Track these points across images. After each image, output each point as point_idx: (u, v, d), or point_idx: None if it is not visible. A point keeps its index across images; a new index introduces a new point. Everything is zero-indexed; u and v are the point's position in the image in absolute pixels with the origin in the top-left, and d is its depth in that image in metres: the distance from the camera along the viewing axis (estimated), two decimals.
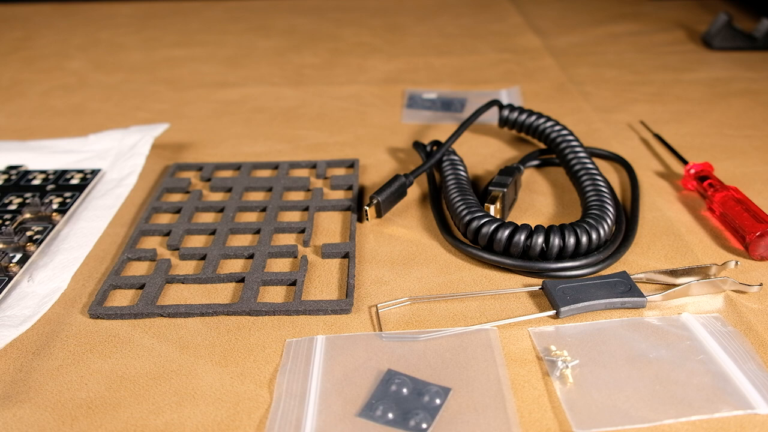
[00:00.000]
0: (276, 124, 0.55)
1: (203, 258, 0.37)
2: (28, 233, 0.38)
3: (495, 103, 0.47)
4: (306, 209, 0.42)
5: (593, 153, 0.47)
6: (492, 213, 0.38)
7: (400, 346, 0.30)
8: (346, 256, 0.37)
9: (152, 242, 0.39)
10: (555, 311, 0.32)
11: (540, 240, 0.34)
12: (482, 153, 0.49)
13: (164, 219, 0.42)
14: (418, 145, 0.48)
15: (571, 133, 0.44)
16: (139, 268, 0.37)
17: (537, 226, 0.35)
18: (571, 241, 0.34)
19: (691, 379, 0.28)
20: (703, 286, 0.33)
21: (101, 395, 0.28)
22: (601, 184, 0.39)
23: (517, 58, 0.70)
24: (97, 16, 0.91)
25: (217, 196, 0.44)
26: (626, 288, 0.33)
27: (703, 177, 0.42)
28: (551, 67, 0.67)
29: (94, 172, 0.45)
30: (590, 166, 0.41)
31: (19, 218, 0.40)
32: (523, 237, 0.35)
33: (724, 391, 0.27)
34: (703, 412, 0.26)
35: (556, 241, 0.34)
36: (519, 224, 0.35)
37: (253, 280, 0.35)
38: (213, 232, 0.40)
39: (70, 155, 0.49)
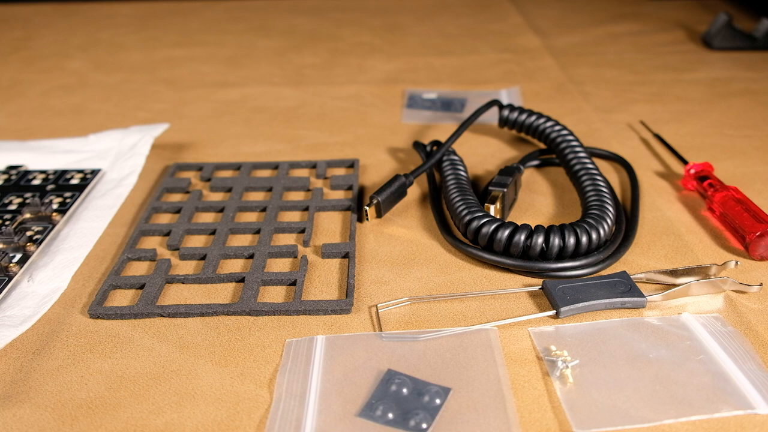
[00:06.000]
0: (276, 124, 0.55)
1: (203, 258, 0.37)
2: (28, 233, 0.38)
3: (495, 103, 0.47)
4: (306, 209, 0.42)
5: (593, 153, 0.47)
6: (492, 213, 0.38)
7: (400, 346, 0.30)
8: (346, 256, 0.37)
9: (152, 242, 0.39)
10: (555, 311, 0.32)
11: (540, 240, 0.34)
12: (482, 153, 0.49)
13: (164, 219, 0.42)
14: (418, 145, 0.48)
15: (571, 133, 0.44)
16: (139, 268, 0.37)
17: (537, 226, 0.35)
18: (571, 241, 0.34)
19: (691, 379, 0.28)
20: (703, 286, 0.33)
21: (101, 395, 0.28)
22: (601, 184, 0.39)
23: (517, 58, 0.70)
24: (97, 16, 0.91)
25: (217, 196, 0.44)
26: (626, 288, 0.33)
27: (703, 177, 0.42)
28: (551, 67, 0.67)
29: (94, 172, 0.45)
30: (590, 166, 0.41)
31: (19, 218, 0.40)
32: (523, 237, 0.35)
33: (724, 391, 0.27)
34: (703, 412, 0.26)
35: (556, 241, 0.34)
36: (519, 224, 0.35)
37: (253, 280, 0.35)
38: (213, 232, 0.40)
39: (70, 155, 0.49)
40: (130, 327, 0.32)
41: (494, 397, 0.27)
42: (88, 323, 0.33)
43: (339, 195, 0.44)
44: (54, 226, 0.39)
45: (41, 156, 0.48)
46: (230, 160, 0.49)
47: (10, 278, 0.34)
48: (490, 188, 0.39)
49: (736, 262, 0.34)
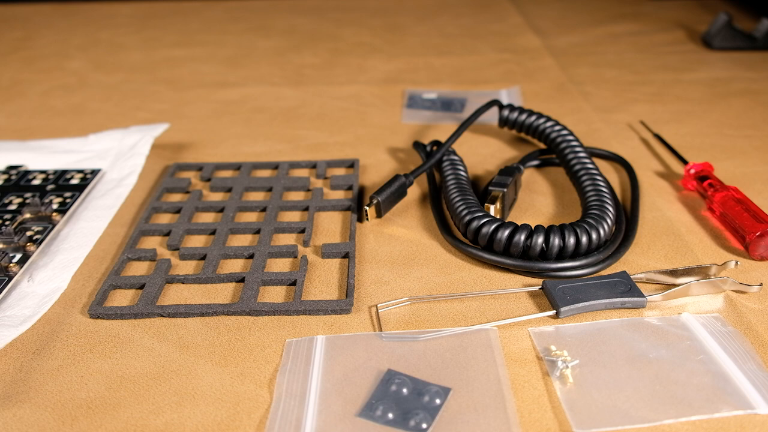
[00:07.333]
0: (276, 124, 0.55)
1: (203, 258, 0.37)
2: (28, 233, 0.38)
3: (495, 103, 0.47)
4: (306, 209, 0.42)
5: (593, 153, 0.47)
6: (492, 213, 0.38)
7: (400, 346, 0.30)
8: (346, 256, 0.37)
9: (152, 242, 0.39)
10: (555, 311, 0.32)
11: (540, 240, 0.34)
12: (482, 153, 0.49)
13: (164, 219, 0.42)
14: (418, 145, 0.48)
15: (571, 133, 0.44)
16: (139, 268, 0.37)
17: (537, 226, 0.35)
18: (571, 241, 0.34)
19: (691, 379, 0.28)
20: (703, 286, 0.33)
21: (101, 395, 0.28)
22: (601, 184, 0.39)
23: (517, 58, 0.70)
24: (97, 16, 0.91)
25: (217, 196, 0.44)
26: (626, 288, 0.33)
27: (703, 177, 0.42)
28: (551, 67, 0.67)
29: (94, 172, 0.45)
30: (590, 166, 0.41)
31: (19, 218, 0.40)
32: (523, 237, 0.35)
33: (724, 391, 0.27)
34: (703, 412, 0.26)
35: (556, 241, 0.34)
36: (519, 224, 0.35)
37: (253, 280, 0.35)
38: (213, 232, 0.40)
39: (70, 155, 0.49)
40: (130, 327, 0.32)
41: (494, 397, 0.27)
42: (88, 323, 0.33)
43: (339, 195, 0.44)
44: (54, 226, 0.39)
45: (41, 156, 0.48)
46: (230, 160, 0.49)
47: (10, 278, 0.34)
48: (490, 188, 0.39)
49: (736, 262, 0.34)
